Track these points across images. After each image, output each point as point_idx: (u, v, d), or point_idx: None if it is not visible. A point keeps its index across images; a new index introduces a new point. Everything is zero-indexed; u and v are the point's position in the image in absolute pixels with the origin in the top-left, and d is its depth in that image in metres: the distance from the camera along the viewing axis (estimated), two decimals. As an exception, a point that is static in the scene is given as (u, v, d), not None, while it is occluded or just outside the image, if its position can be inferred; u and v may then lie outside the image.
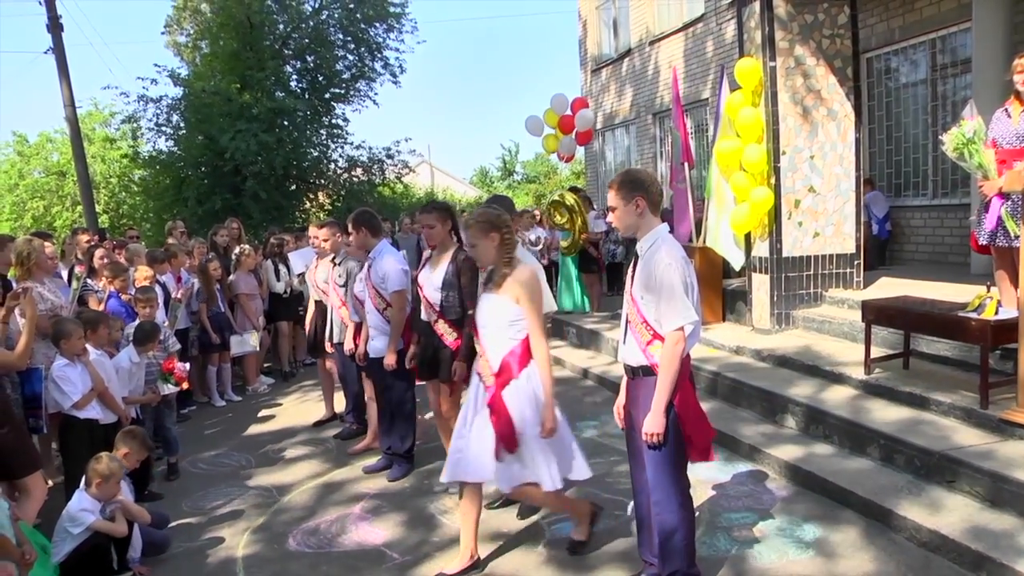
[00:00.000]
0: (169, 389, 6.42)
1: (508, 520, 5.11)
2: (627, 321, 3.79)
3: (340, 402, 7.66)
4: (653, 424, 3.57)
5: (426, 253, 5.79)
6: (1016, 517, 4.20)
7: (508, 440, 4.09)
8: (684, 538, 3.74)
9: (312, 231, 7.83)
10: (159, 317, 7.14)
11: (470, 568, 4.39)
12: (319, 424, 7.75)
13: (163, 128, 20.88)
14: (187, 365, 6.72)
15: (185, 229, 11.02)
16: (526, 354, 4.10)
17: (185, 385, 6.63)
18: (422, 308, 5.63)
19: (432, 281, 5.48)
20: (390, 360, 5.90)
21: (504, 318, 4.09)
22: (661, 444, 3.60)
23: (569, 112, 12.91)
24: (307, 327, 7.99)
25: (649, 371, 3.66)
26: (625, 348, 3.81)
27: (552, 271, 11.74)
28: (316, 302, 7.75)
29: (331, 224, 7.42)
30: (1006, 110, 5.35)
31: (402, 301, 5.93)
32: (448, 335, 5.48)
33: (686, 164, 9.74)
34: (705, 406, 6.62)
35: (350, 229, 6.30)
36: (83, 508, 4.52)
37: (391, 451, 6.22)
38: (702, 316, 3.80)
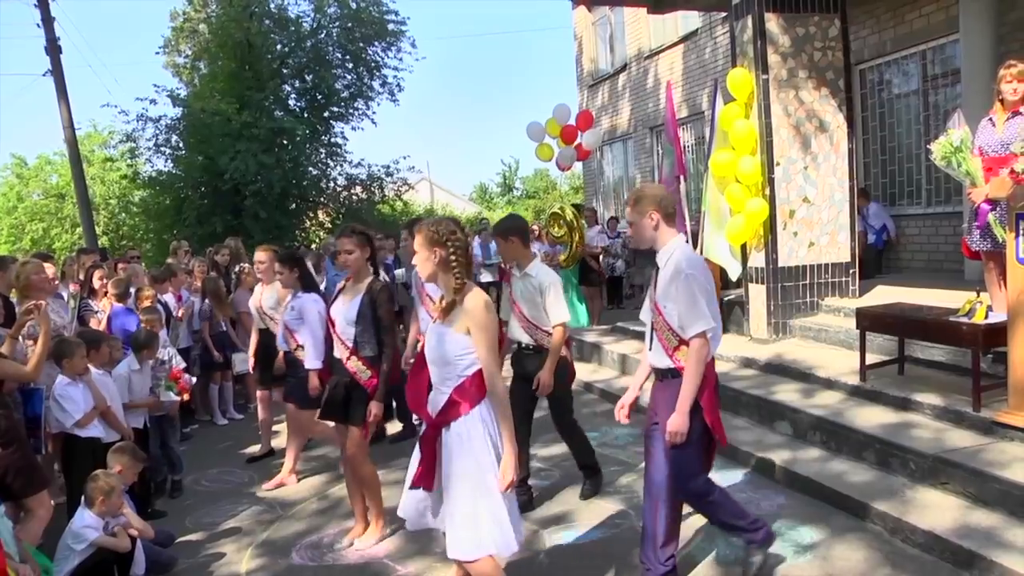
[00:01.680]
0: (171, 397, 6.47)
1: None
2: (653, 327, 3.99)
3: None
4: (677, 423, 3.76)
5: (339, 284, 5.44)
6: (1006, 515, 4.28)
7: (424, 477, 3.69)
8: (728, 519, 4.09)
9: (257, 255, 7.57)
10: (162, 337, 7.20)
11: None
12: (254, 460, 7.42)
13: (162, 148, 21.00)
14: (193, 379, 6.81)
15: (189, 248, 11.07)
16: (478, 391, 3.55)
17: (186, 396, 6.68)
18: (335, 344, 5.24)
19: (346, 314, 5.07)
20: None
21: (450, 351, 3.55)
22: (684, 443, 3.80)
23: (572, 123, 12.95)
24: (251, 359, 7.63)
25: (677, 373, 3.86)
26: (652, 353, 4.02)
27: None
28: (261, 330, 7.43)
29: (267, 248, 7.48)
30: (991, 119, 5.47)
31: None
32: (362, 373, 5.04)
33: (680, 177, 9.83)
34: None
35: (280, 268, 6.50)
36: (86, 525, 4.56)
37: None
38: (720, 321, 3.93)
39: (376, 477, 5.27)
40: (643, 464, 6.19)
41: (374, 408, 5.01)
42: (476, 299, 3.53)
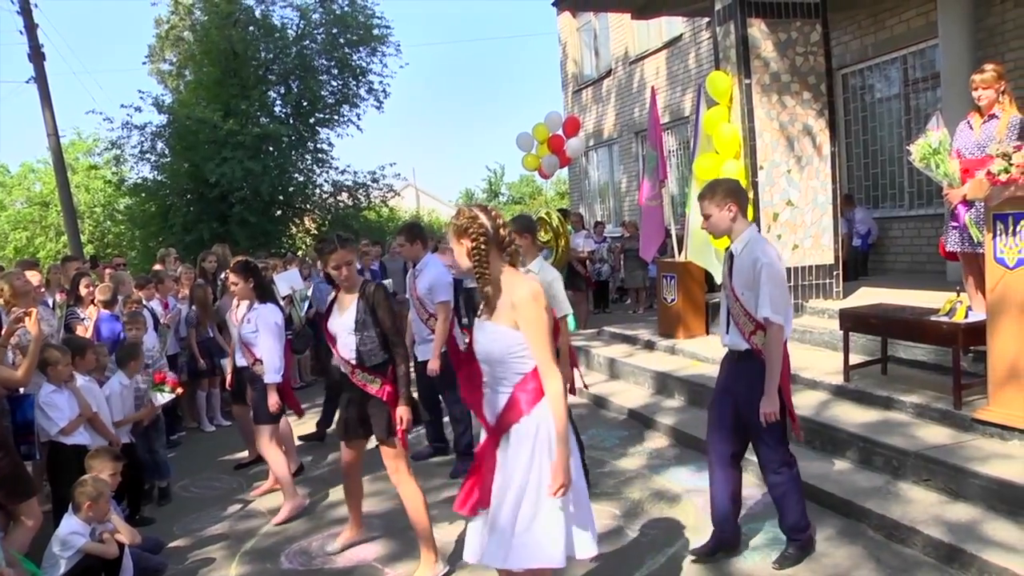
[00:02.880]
0: (166, 397, 6.44)
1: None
2: (729, 312, 4.27)
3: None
4: (769, 404, 4.06)
5: (330, 296, 5.13)
6: (986, 510, 4.36)
7: (481, 498, 3.32)
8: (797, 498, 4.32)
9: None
10: (149, 342, 7.20)
11: None
12: (242, 467, 7.26)
13: (148, 155, 20.94)
14: (175, 374, 6.79)
15: (178, 255, 11.01)
16: (538, 390, 3.19)
17: (180, 390, 6.62)
18: (338, 360, 4.92)
19: (345, 325, 4.74)
20: (434, 366, 6.31)
21: (497, 349, 3.22)
22: (777, 420, 4.10)
23: (560, 132, 13.00)
24: (229, 372, 7.03)
25: (752, 354, 4.15)
26: (729, 336, 4.30)
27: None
28: None
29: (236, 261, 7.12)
30: (968, 122, 5.59)
31: (447, 311, 6.34)
32: (371, 384, 4.72)
33: (662, 181, 9.93)
34: (690, 415, 6.86)
35: (235, 278, 6.19)
36: (73, 531, 4.53)
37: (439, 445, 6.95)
38: (792, 304, 4.29)
39: (420, 498, 4.73)
40: (623, 465, 6.32)
41: (403, 414, 4.64)
42: (522, 291, 3.18)
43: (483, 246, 3.21)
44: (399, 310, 5.28)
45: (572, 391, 5.59)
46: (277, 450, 6.10)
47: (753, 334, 4.10)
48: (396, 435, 4.66)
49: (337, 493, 6.29)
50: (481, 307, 3.32)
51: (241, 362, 6.35)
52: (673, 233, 10.03)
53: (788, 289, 4.22)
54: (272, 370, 5.91)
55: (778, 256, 4.13)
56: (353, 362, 4.73)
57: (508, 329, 3.18)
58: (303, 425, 8.11)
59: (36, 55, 17.66)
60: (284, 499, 5.99)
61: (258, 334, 6.03)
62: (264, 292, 6.25)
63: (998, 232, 4.72)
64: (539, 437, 3.17)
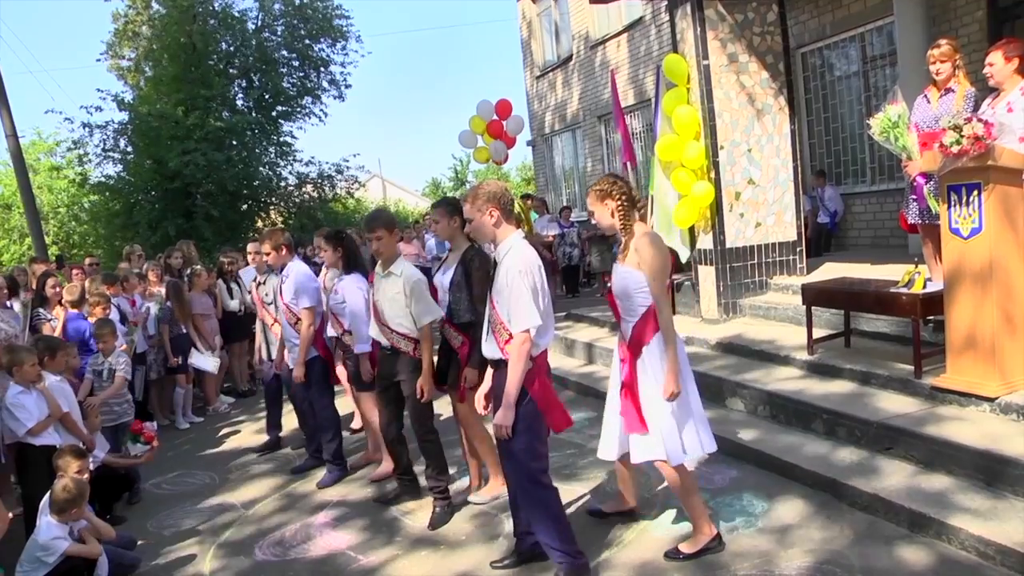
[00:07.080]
0: (140, 449, 6.37)
1: (467, 519, 5.25)
2: (489, 319, 4.11)
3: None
4: (504, 417, 3.92)
5: (443, 254, 5.47)
6: (947, 476, 4.45)
7: (638, 421, 4.13)
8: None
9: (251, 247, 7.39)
10: (119, 342, 7.12)
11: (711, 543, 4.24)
12: (357, 430, 7.41)
13: (110, 153, 20.67)
14: (155, 424, 6.70)
15: (142, 253, 10.89)
16: (656, 321, 4.04)
17: (155, 443, 6.50)
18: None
19: (443, 283, 5.32)
20: (298, 373, 6.29)
21: (628, 287, 4.08)
22: (510, 436, 3.93)
23: (495, 117, 12.88)
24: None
25: (507, 365, 3.95)
26: (487, 344, 4.17)
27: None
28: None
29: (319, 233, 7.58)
30: (925, 96, 5.68)
31: (311, 316, 6.25)
32: (454, 339, 5.22)
33: (628, 164, 9.96)
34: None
35: (325, 245, 6.42)
36: (54, 536, 4.49)
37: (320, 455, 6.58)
38: (553, 320, 4.13)
39: (485, 438, 5.40)
40: (591, 446, 6.37)
41: (468, 375, 5.13)
42: (643, 238, 4.08)
43: (625, 204, 4.10)
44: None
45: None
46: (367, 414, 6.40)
47: (508, 343, 3.93)
48: (458, 388, 5.24)
49: (308, 485, 6.32)
50: (618, 252, 4.18)
51: (331, 332, 6.37)
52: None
53: (546, 301, 4.02)
54: (362, 340, 6.03)
55: (539, 266, 4.02)
56: (446, 315, 5.24)
57: (632, 270, 4.06)
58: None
59: (-10, 54, 17.35)
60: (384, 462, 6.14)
61: (346, 305, 6.09)
62: (352, 261, 6.25)
63: (952, 203, 4.81)
64: (659, 359, 4.05)
